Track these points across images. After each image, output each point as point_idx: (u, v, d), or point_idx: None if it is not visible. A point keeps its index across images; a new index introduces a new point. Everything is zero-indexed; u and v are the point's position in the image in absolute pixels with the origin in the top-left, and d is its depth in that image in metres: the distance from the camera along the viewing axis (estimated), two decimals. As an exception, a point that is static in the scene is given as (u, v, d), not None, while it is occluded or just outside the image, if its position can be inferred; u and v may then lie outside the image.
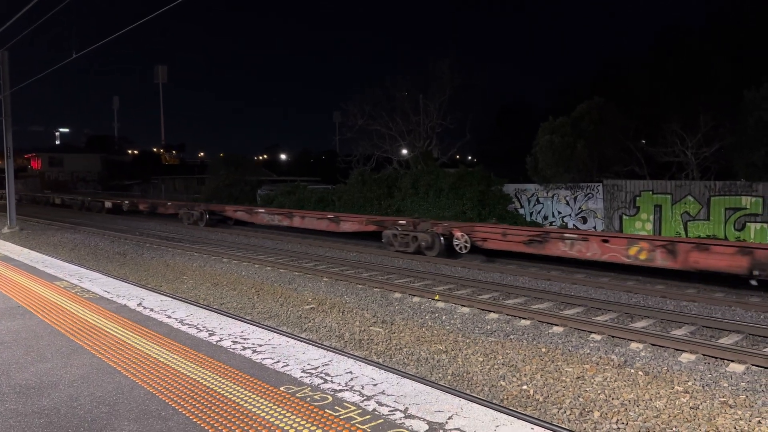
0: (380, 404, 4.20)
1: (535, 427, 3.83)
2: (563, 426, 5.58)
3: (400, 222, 18.16)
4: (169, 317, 6.96)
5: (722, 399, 6.24)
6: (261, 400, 4.30)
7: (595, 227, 19.79)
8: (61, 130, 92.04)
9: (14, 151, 24.82)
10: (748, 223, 16.61)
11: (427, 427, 3.81)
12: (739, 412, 5.89)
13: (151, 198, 38.51)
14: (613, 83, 24.76)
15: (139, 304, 7.72)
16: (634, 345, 8.11)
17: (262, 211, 24.17)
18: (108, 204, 36.11)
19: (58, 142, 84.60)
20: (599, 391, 6.48)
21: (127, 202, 34.00)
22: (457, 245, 16.26)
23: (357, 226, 19.99)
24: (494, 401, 6.14)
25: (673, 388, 6.57)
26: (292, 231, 23.57)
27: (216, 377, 4.82)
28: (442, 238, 16.49)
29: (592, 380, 6.82)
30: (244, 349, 5.61)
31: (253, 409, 4.14)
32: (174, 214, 28.96)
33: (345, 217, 20.86)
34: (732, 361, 7.37)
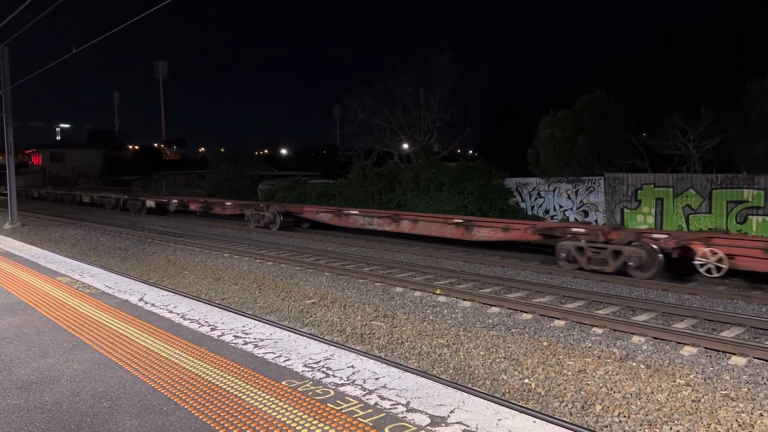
0: (382, 398, 4.20)
1: (537, 420, 3.83)
2: (565, 419, 5.58)
3: (576, 230, 13.61)
4: (171, 312, 6.97)
5: (724, 392, 6.24)
6: (263, 395, 4.30)
7: (596, 221, 19.76)
8: (61, 125, 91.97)
9: (15, 147, 24.81)
10: (750, 216, 16.58)
11: (429, 420, 3.80)
12: (741, 405, 5.89)
13: (205, 195, 32.34)
14: (612, 78, 24.69)
15: (141, 299, 7.72)
16: (635, 338, 8.11)
17: (356, 212, 20.08)
18: (150, 203, 30.20)
19: (58, 138, 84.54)
20: (601, 385, 6.48)
21: (175, 201, 28.29)
22: (703, 266, 11.86)
23: (502, 234, 15.47)
24: (496, 395, 6.14)
25: (674, 381, 6.57)
26: (396, 237, 19.41)
27: (218, 372, 4.82)
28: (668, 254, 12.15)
29: (594, 373, 6.82)
30: (246, 343, 5.61)
31: (255, 404, 4.14)
32: (235, 215, 25.05)
33: (481, 222, 16.21)
34: (734, 354, 7.36)
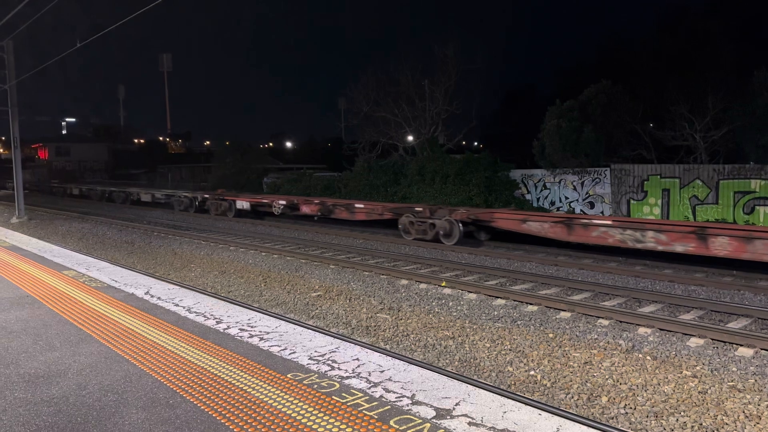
0: (387, 391, 4.20)
1: (543, 412, 3.83)
2: (571, 411, 5.57)
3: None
4: (177, 305, 6.99)
5: (731, 383, 6.22)
6: (268, 387, 4.31)
7: (602, 212, 19.69)
8: (67, 119, 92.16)
9: (21, 141, 24.90)
10: (757, 207, 16.48)
11: (434, 413, 3.80)
12: (748, 396, 5.87)
13: (319, 196, 24.80)
14: (618, 67, 24.52)
15: (147, 293, 7.74)
16: (642, 330, 8.08)
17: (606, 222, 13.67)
18: (243, 204, 23.91)
19: (64, 132, 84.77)
20: (607, 376, 6.46)
21: (282, 202, 22.12)
22: None
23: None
24: (502, 387, 6.14)
25: (681, 372, 6.54)
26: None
27: (223, 365, 4.83)
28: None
29: (600, 365, 6.80)
30: (252, 336, 5.62)
31: (261, 396, 4.15)
32: (372, 221, 19.26)
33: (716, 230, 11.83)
34: (741, 345, 7.33)
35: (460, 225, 15.75)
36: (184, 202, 27.48)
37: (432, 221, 16.27)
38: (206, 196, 26.20)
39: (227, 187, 31.95)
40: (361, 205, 19.61)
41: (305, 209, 21.29)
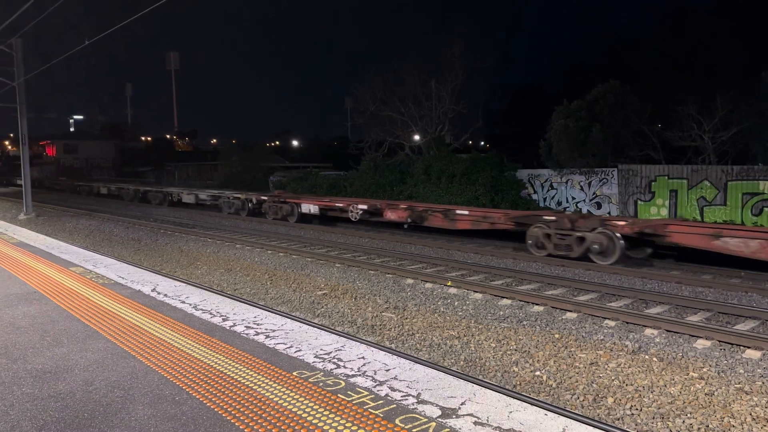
0: (393, 389, 4.20)
1: (549, 412, 3.81)
2: (577, 412, 5.55)
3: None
4: (183, 302, 7.01)
5: (738, 385, 6.19)
6: (274, 385, 4.32)
7: (609, 213, 19.62)
8: (75, 117, 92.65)
9: (29, 139, 25.03)
10: (765, 208, 16.37)
11: (440, 412, 3.80)
12: (755, 399, 5.83)
13: (406, 200, 21.62)
14: (625, 67, 24.41)
15: (153, 290, 7.77)
16: (648, 331, 8.05)
17: None
18: (309, 207, 21.09)
19: (72, 129, 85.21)
20: (613, 377, 6.44)
21: (363, 206, 19.14)
22: None
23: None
24: (507, 387, 6.13)
25: (688, 374, 6.52)
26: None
27: (229, 362, 4.84)
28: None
29: (606, 366, 6.78)
30: (258, 334, 5.63)
31: (267, 394, 4.15)
32: (479, 230, 16.39)
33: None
34: (748, 347, 7.29)
35: (620, 239, 13.01)
36: (234, 204, 24.88)
37: (579, 234, 13.55)
38: (264, 198, 23.34)
39: (234, 185, 31.91)
40: (465, 212, 16.28)
41: (390, 215, 18.43)
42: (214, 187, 33.07)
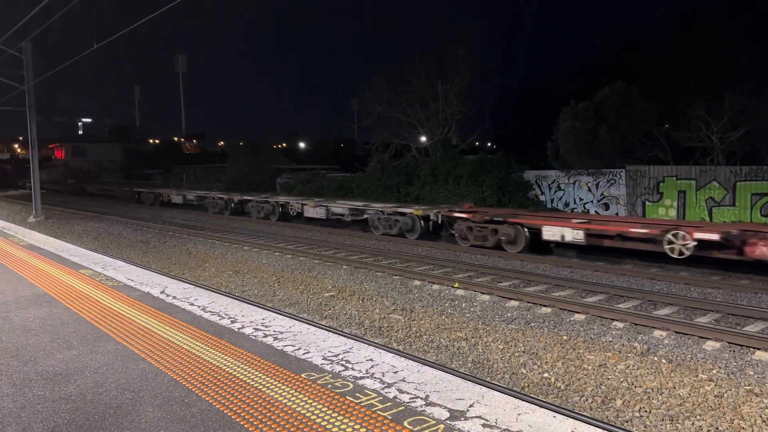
0: (401, 392, 4.20)
1: (557, 414, 3.81)
2: (585, 414, 5.54)
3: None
4: (192, 304, 7.04)
5: (748, 387, 6.15)
6: (283, 387, 4.33)
7: (617, 214, 19.55)
8: (83, 120, 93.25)
9: (39, 141, 25.20)
10: (774, 209, 16.26)
11: (448, 414, 3.80)
12: (766, 401, 5.80)
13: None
14: (633, 67, 24.31)
15: (162, 292, 7.81)
16: (657, 333, 8.01)
17: None
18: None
19: (80, 132, 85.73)
20: (621, 379, 6.42)
21: (715, 236, 11.33)
22: None
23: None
24: (515, 389, 6.12)
25: (697, 376, 6.48)
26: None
27: (238, 364, 4.86)
28: None
29: (615, 368, 6.76)
30: (266, 336, 5.65)
31: (276, 396, 4.17)
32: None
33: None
34: (758, 349, 7.25)
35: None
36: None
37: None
38: (466, 216, 15.88)
39: (241, 187, 31.99)
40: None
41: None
42: (221, 189, 33.52)
